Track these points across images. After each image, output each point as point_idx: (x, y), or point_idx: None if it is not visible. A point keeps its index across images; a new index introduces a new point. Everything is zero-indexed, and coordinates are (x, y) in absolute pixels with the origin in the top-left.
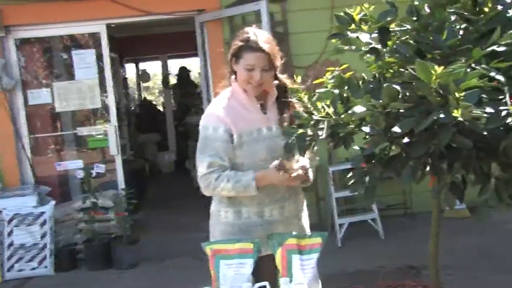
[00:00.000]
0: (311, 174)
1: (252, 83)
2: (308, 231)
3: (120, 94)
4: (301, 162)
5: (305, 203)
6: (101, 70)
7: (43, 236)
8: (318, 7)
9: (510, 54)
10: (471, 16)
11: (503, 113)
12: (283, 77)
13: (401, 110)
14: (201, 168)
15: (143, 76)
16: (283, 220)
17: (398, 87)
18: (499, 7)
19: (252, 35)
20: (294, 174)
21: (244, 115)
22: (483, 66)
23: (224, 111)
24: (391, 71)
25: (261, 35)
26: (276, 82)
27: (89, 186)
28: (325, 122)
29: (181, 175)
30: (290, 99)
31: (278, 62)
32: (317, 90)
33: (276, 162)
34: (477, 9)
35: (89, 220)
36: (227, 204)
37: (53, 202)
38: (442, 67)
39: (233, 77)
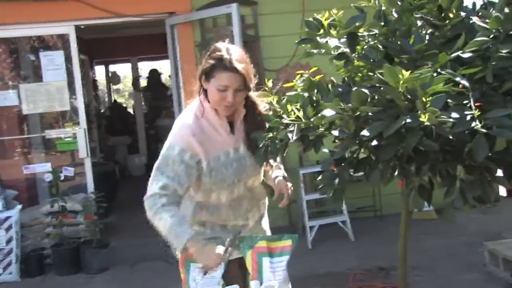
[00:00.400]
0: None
1: (224, 104)
2: (268, 233)
3: (89, 97)
4: (279, 183)
5: (265, 204)
6: (70, 72)
7: (8, 241)
8: (289, 10)
9: (475, 60)
10: (437, 22)
11: (468, 117)
12: (253, 95)
13: (370, 114)
14: (154, 186)
15: (113, 78)
16: (246, 231)
17: (367, 91)
18: (463, 14)
19: (226, 53)
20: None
21: (214, 138)
22: (449, 71)
23: (195, 136)
24: (360, 75)
25: (234, 53)
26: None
27: (58, 189)
28: (295, 125)
29: None
30: (259, 117)
31: (252, 81)
32: (287, 94)
33: (220, 249)
34: (443, 15)
35: (58, 224)
36: (193, 222)
37: (19, 206)
38: (410, 72)
39: (203, 97)
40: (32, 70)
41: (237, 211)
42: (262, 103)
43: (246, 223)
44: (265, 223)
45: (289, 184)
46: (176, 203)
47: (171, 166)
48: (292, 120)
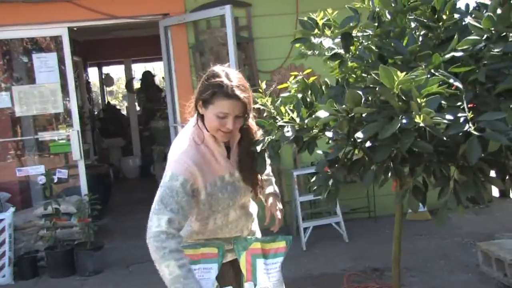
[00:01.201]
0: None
1: (223, 130)
2: (258, 233)
3: (83, 99)
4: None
5: (254, 206)
6: (63, 74)
7: (1, 244)
8: (282, 12)
9: (467, 59)
10: (431, 23)
11: (462, 119)
12: (250, 121)
13: (364, 115)
14: (160, 222)
15: (106, 80)
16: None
17: (361, 92)
18: (456, 16)
19: (226, 80)
20: None
21: (212, 165)
22: (443, 72)
23: (196, 165)
24: (353, 76)
25: (234, 78)
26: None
27: (51, 192)
28: (289, 127)
29: (146, 180)
30: (253, 142)
31: (251, 108)
32: (281, 95)
33: None
34: (436, 16)
35: (51, 227)
36: (190, 239)
37: (12, 209)
38: (404, 73)
39: (200, 122)
40: (25, 72)
41: (233, 230)
42: (259, 130)
43: (241, 234)
44: (255, 226)
45: (280, 206)
46: (180, 241)
47: (175, 198)
48: (286, 122)
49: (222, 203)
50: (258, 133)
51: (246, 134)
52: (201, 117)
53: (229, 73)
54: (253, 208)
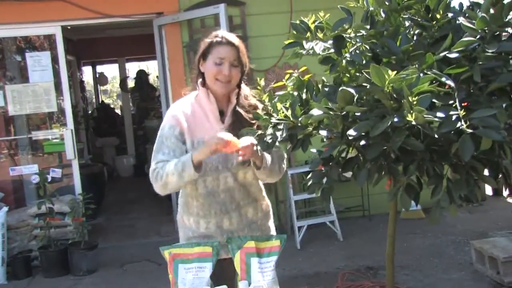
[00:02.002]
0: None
1: (220, 79)
2: (273, 233)
3: (77, 98)
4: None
5: (269, 208)
6: (57, 73)
7: None
8: (277, 11)
9: (461, 60)
10: (424, 22)
11: (454, 117)
12: (246, 89)
13: (357, 114)
14: (153, 164)
15: (100, 79)
16: (243, 228)
17: (353, 91)
18: (450, 15)
19: (221, 33)
20: (242, 144)
21: (202, 123)
22: (435, 71)
23: (184, 115)
24: (348, 75)
25: (230, 34)
26: (236, 90)
27: (45, 191)
28: (283, 125)
29: (140, 179)
30: (248, 111)
31: (246, 62)
32: (277, 93)
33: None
34: (430, 15)
35: (45, 226)
36: (188, 214)
37: (6, 208)
38: (395, 72)
39: (199, 81)
40: (18, 71)
41: (228, 205)
42: (253, 99)
43: (241, 219)
44: (268, 225)
45: (256, 147)
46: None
47: (164, 143)
48: (280, 119)
49: (210, 164)
50: (253, 100)
51: (242, 103)
52: (201, 75)
53: (225, 32)
54: (259, 193)
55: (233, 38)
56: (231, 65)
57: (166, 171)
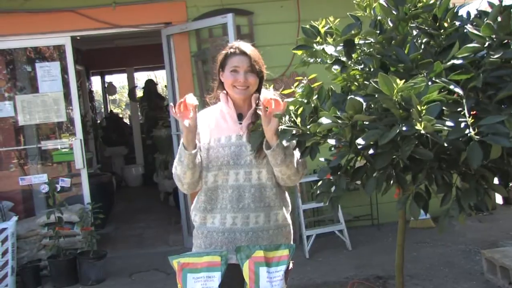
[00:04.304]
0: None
1: (237, 86)
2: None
3: (86, 107)
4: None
5: (285, 217)
6: (66, 83)
7: (4, 253)
8: (284, 20)
9: (467, 66)
10: (432, 31)
11: (462, 125)
12: (266, 92)
13: (366, 123)
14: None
15: (109, 89)
16: (247, 231)
17: (361, 100)
18: (457, 23)
19: (236, 44)
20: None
21: (220, 124)
22: (443, 79)
23: (204, 118)
24: (356, 84)
25: (243, 43)
26: (256, 95)
27: (54, 200)
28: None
29: (149, 188)
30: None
31: (262, 68)
32: (285, 100)
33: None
34: (438, 24)
35: (54, 236)
36: (196, 209)
37: (15, 218)
38: (404, 81)
39: (220, 89)
40: (28, 81)
41: (235, 203)
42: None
43: (246, 222)
44: (280, 236)
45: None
46: None
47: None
48: (289, 127)
49: (221, 158)
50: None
51: (260, 103)
52: (222, 86)
53: (240, 42)
54: (274, 200)
55: (246, 47)
56: (246, 72)
57: (174, 166)
